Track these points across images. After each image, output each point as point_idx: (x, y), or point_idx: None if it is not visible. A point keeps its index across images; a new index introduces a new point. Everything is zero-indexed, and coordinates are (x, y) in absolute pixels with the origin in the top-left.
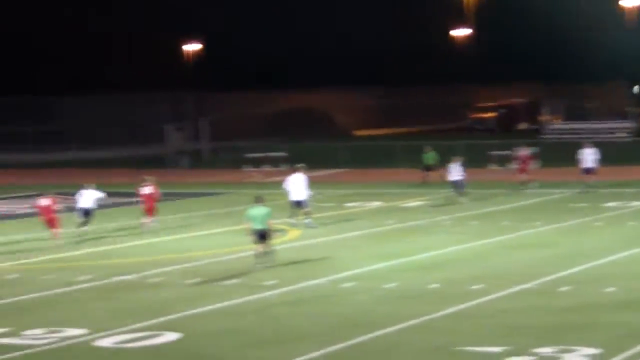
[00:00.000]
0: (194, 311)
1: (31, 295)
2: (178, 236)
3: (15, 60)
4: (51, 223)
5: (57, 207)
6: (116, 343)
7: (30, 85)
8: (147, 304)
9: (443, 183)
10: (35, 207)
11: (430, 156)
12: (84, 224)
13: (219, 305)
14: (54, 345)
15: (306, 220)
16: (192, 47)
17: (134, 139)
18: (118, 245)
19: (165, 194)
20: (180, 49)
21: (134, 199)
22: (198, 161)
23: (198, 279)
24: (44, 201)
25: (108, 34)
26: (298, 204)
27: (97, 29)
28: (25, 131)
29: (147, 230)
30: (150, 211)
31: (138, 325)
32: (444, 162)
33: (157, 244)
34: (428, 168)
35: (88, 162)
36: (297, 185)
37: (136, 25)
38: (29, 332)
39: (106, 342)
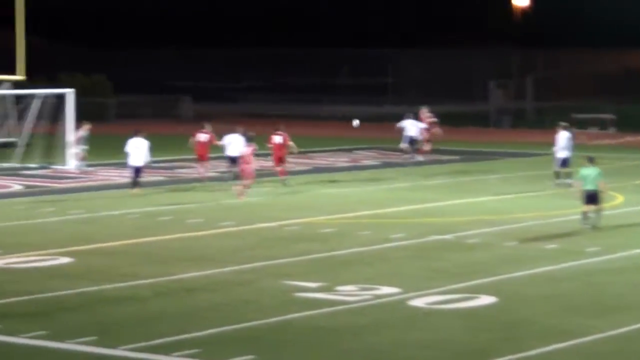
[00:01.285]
0: (511, 275)
1: (346, 251)
2: (497, 197)
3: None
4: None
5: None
6: (429, 304)
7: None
8: (463, 265)
9: None
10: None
11: None
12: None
13: (536, 269)
14: (367, 303)
15: (567, 180)
16: (520, 2)
17: (456, 94)
18: (435, 204)
19: (485, 153)
20: (509, 4)
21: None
22: (521, 120)
23: (516, 242)
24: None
25: None
26: (564, 163)
27: None
28: (344, 84)
29: (285, 181)
30: (278, 160)
31: (453, 286)
32: None
33: (475, 204)
34: None
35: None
36: (560, 144)
37: None
38: (342, 287)
39: (419, 302)
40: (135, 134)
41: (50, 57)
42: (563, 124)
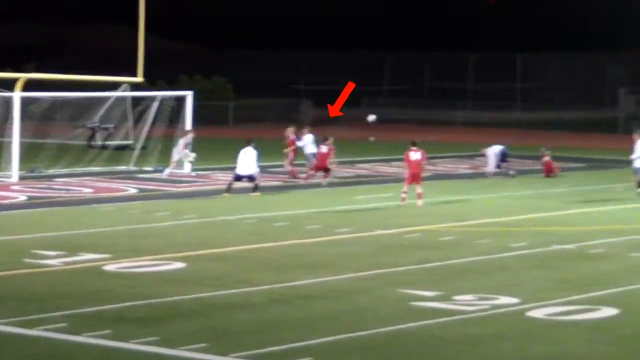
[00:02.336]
0: (635, 286)
1: (464, 260)
2: (623, 206)
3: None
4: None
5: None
6: (549, 315)
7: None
8: (585, 276)
9: None
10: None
11: None
12: None
13: None
14: (485, 313)
15: None
16: None
17: (586, 100)
18: (558, 212)
19: (612, 161)
20: None
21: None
22: None
23: None
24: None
25: None
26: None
27: None
28: (466, 88)
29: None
30: (317, 169)
31: (574, 297)
32: None
33: (600, 213)
34: None
35: (533, 123)
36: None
37: None
38: (460, 297)
39: (539, 313)
40: (247, 143)
41: (170, 58)
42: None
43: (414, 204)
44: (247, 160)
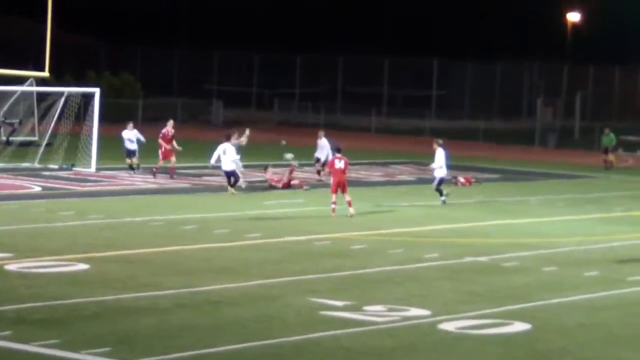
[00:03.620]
0: (548, 301)
1: (376, 269)
2: (538, 219)
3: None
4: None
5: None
6: (460, 328)
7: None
8: (498, 289)
9: None
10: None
11: None
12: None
13: (575, 297)
14: (395, 324)
15: None
16: (572, 17)
17: (501, 110)
18: (472, 224)
19: (528, 173)
20: (562, 18)
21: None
22: (568, 140)
23: (555, 267)
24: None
25: None
26: None
27: None
28: (395, 95)
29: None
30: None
31: (486, 311)
32: None
33: (514, 226)
34: None
35: (445, 131)
36: None
37: None
38: (370, 307)
39: (450, 325)
40: (227, 139)
41: (76, 52)
42: None
43: (321, 211)
44: (227, 156)
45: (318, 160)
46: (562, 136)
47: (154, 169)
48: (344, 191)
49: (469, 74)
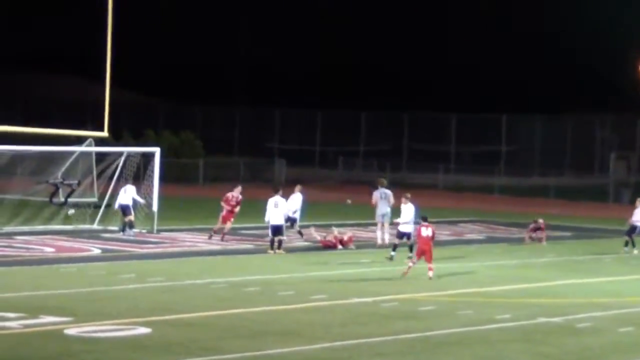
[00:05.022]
0: None
1: (445, 331)
2: (612, 278)
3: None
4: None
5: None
6: None
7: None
8: (572, 351)
9: None
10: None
11: None
12: None
13: None
14: None
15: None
16: None
17: (572, 165)
18: (544, 284)
19: (601, 230)
20: (633, 67)
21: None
22: None
23: (632, 327)
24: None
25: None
26: None
27: None
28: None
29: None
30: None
31: None
32: None
33: (587, 285)
34: None
35: (515, 188)
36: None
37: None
38: None
39: None
40: (275, 192)
41: (136, 112)
42: None
43: (390, 271)
44: (278, 209)
45: (294, 221)
46: (637, 191)
47: (212, 232)
48: (428, 260)
49: (539, 129)
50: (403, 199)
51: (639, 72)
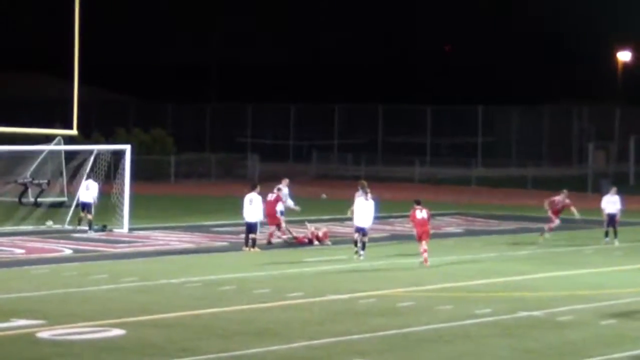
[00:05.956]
0: (608, 357)
1: (424, 327)
2: (593, 270)
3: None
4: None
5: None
6: None
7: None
8: (554, 345)
9: None
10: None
11: None
12: None
13: (636, 352)
14: None
15: None
16: (623, 56)
17: (550, 156)
18: (524, 277)
19: (581, 222)
20: (612, 59)
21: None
22: (622, 185)
23: (614, 320)
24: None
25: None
26: None
27: None
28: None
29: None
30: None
31: None
32: None
33: (568, 277)
34: None
35: (493, 179)
36: None
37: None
38: None
39: None
40: (252, 188)
41: (103, 109)
42: None
43: (366, 267)
44: (252, 206)
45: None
46: (616, 182)
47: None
48: (426, 240)
49: (515, 120)
50: (361, 192)
51: (616, 62)
